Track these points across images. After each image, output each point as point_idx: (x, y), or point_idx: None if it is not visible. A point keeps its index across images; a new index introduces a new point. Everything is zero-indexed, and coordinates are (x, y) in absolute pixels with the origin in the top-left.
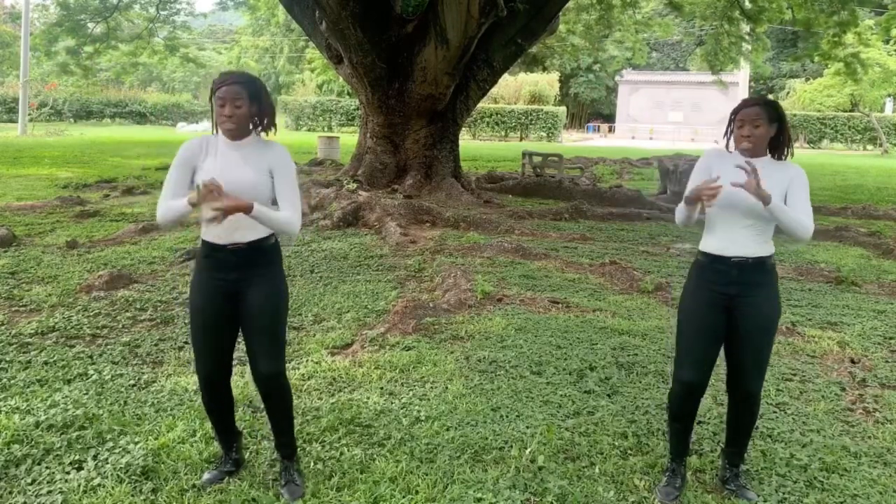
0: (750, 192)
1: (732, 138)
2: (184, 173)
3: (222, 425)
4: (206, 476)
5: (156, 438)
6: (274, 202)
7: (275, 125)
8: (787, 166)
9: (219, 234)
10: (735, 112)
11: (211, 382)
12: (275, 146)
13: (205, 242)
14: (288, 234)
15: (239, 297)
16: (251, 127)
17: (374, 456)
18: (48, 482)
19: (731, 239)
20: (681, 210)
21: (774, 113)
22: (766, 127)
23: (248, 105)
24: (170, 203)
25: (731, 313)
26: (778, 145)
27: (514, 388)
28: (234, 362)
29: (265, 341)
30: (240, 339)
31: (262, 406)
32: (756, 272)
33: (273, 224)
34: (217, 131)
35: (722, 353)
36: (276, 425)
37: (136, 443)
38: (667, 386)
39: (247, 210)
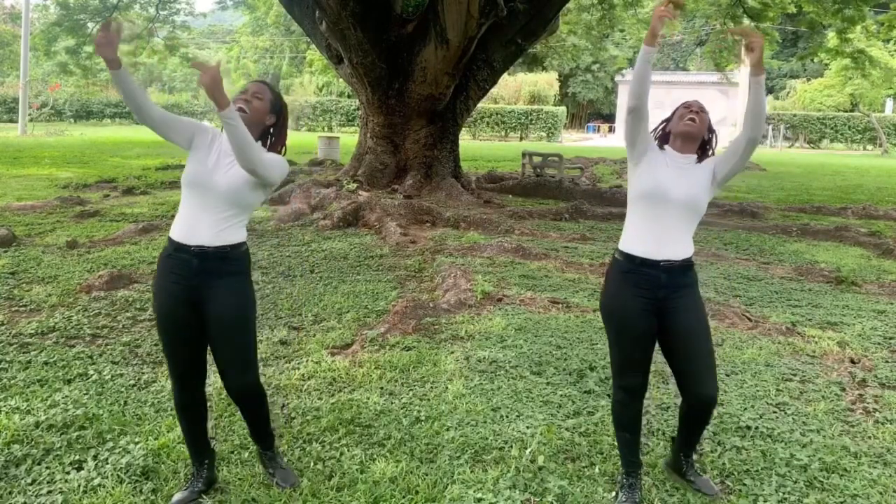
0: (756, 47)
1: (675, 120)
2: (187, 124)
3: (194, 431)
4: (175, 497)
5: (156, 438)
6: (249, 209)
7: (284, 148)
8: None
9: (184, 232)
10: (677, 107)
11: (184, 383)
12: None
13: (170, 240)
14: (250, 157)
15: (201, 306)
16: (259, 137)
17: (374, 456)
18: (48, 482)
19: (658, 240)
20: (640, 66)
21: (708, 116)
22: (707, 118)
23: (266, 106)
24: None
25: (662, 316)
26: (706, 150)
27: (514, 388)
28: None
29: (233, 355)
30: None
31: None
32: (683, 274)
33: (242, 138)
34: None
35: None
36: (253, 426)
37: (136, 443)
38: (667, 386)
39: (222, 102)
